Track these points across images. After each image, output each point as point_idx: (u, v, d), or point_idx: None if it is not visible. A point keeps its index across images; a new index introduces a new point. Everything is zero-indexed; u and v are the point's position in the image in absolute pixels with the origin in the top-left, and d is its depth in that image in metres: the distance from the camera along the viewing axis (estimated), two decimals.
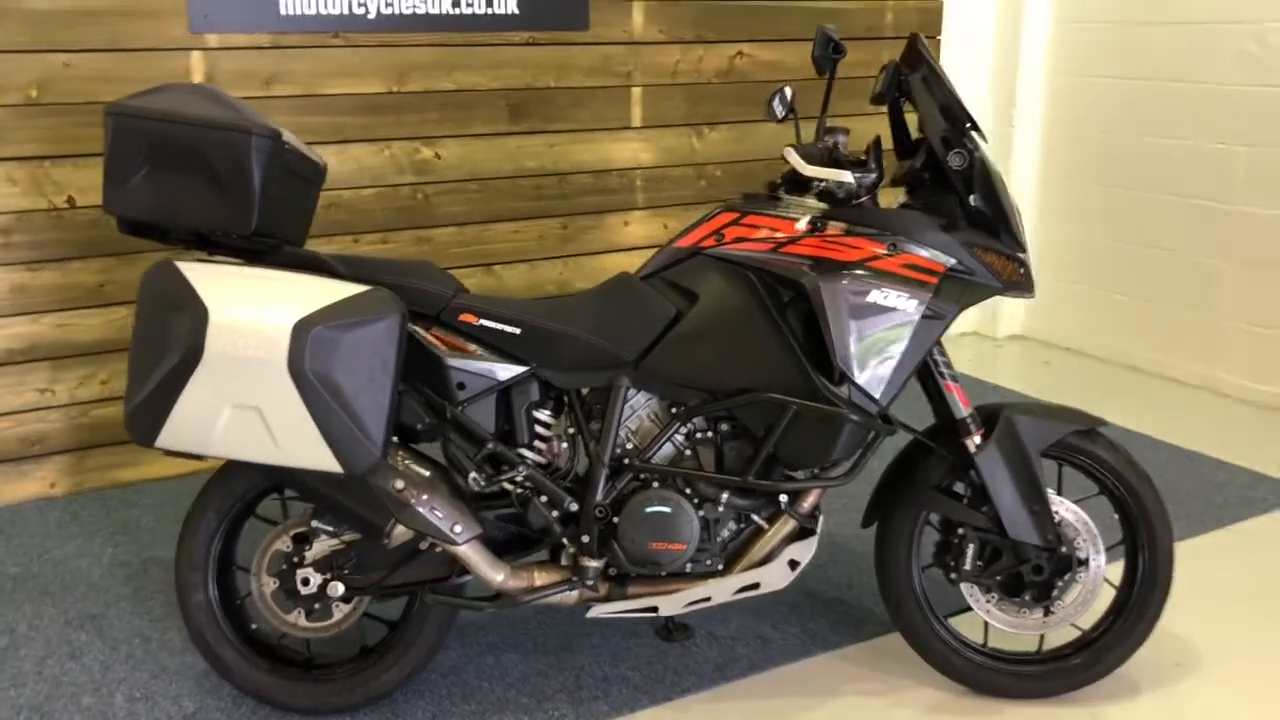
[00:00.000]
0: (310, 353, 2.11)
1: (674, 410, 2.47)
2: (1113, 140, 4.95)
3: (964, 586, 2.55)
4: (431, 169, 3.99)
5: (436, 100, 3.95)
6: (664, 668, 2.73)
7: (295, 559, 2.46)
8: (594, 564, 2.42)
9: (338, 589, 2.43)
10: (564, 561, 2.50)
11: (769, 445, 2.37)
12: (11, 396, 3.55)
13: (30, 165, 3.45)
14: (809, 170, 2.33)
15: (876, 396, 2.35)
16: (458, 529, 2.35)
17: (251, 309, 2.12)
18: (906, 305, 2.33)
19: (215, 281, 2.16)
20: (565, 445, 2.50)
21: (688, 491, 2.46)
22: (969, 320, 5.52)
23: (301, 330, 2.11)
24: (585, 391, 2.48)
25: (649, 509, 2.42)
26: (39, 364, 3.56)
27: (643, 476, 2.46)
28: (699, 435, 2.48)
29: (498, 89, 4.05)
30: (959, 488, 2.57)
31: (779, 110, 2.52)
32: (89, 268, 3.57)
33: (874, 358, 2.33)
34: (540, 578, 2.48)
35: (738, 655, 2.77)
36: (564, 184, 4.24)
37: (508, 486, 2.44)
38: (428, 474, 2.37)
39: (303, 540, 2.48)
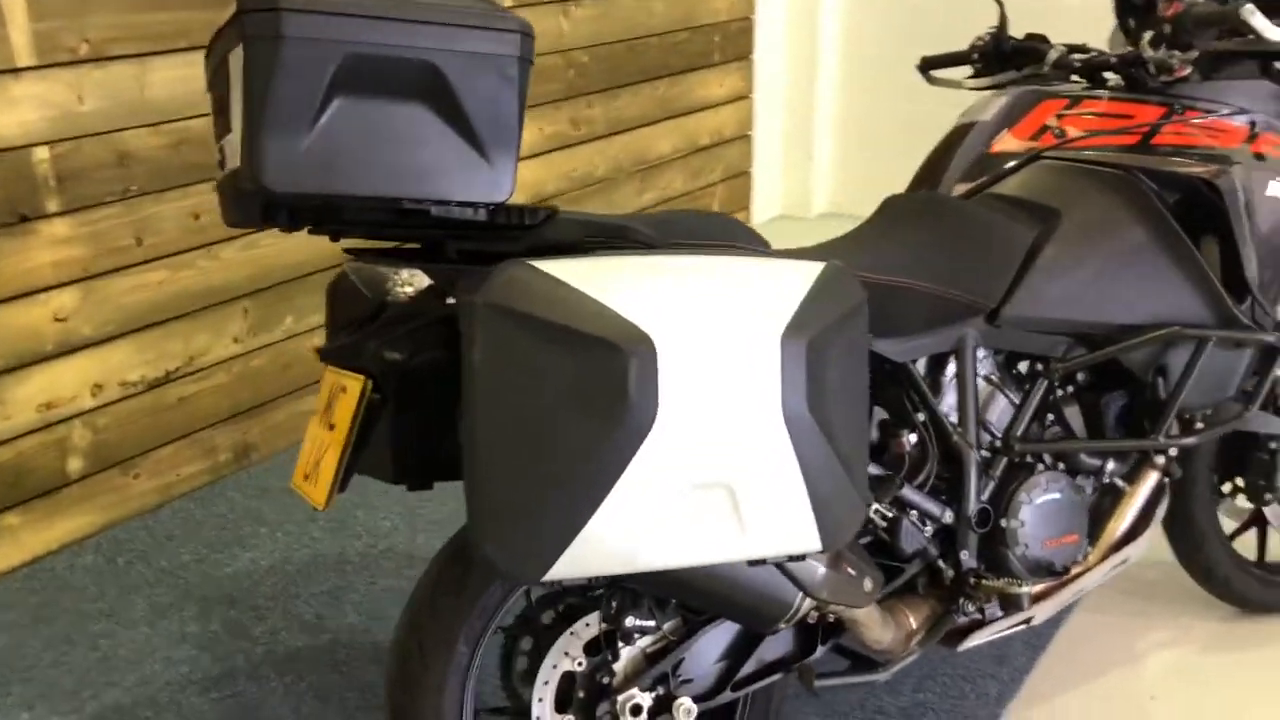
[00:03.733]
0: (810, 378, 1.30)
1: (1034, 368, 1.90)
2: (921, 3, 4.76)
3: (1269, 510, 2.26)
4: None
5: None
6: (949, 679, 2.20)
7: (601, 678, 1.63)
8: (1024, 590, 1.79)
9: (690, 710, 1.64)
10: (920, 590, 1.87)
11: (1184, 389, 1.88)
12: None
13: None
14: None
15: (1272, 311, 1.94)
16: (868, 585, 1.65)
17: (705, 327, 1.26)
18: None
19: (624, 288, 1.26)
20: (913, 438, 1.84)
21: (1061, 467, 1.92)
22: (777, 202, 5.19)
23: (793, 345, 1.29)
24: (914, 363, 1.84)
25: (1041, 499, 1.85)
26: None
27: (1017, 460, 1.88)
28: (1056, 394, 1.94)
29: None
30: None
31: None
32: None
33: (1272, 264, 1.91)
34: (914, 618, 1.84)
35: (1000, 641, 2.30)
36: None
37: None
38: None
39: (598, 648, 1.65)
